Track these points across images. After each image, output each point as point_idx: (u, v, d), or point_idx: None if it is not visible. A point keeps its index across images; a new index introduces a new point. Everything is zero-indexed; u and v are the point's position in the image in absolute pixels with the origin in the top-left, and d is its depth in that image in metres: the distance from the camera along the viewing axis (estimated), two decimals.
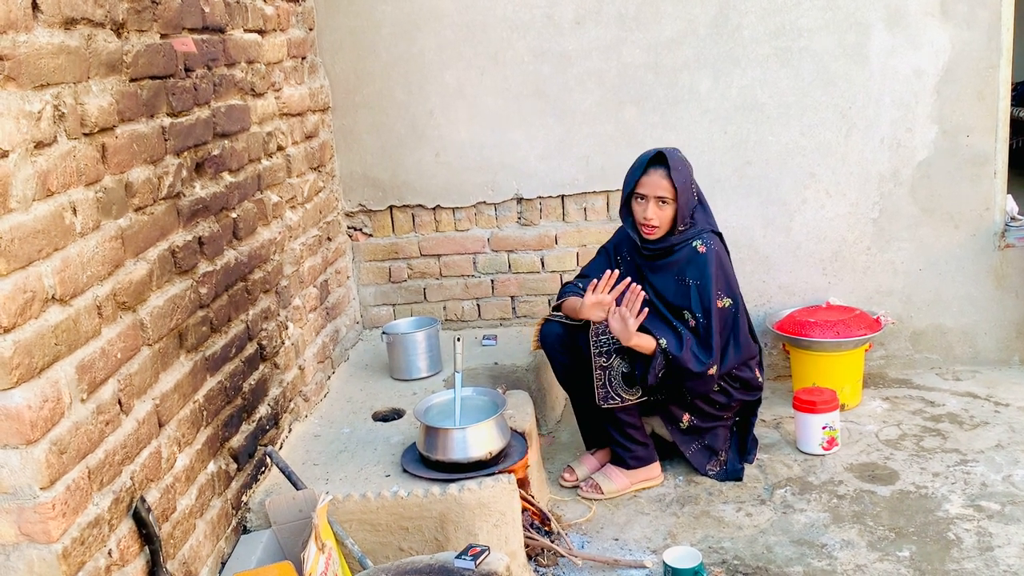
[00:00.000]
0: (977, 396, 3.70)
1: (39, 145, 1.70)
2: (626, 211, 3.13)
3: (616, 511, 3.08)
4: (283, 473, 2.56)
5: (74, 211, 1.81)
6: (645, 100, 3.81)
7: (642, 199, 3.04)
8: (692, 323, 3.02)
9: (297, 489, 2.51)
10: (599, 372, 3.02)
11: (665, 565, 2.56)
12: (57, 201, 1.75)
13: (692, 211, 3.07)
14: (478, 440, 2.62)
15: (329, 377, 3.52)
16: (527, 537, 2.72)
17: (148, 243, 2.12)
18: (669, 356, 2.93)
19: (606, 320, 2.95)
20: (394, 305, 4.14)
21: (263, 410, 2.79)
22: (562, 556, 2.77)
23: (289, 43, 3.31)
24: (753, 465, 3.27)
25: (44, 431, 1.66)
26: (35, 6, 1.71)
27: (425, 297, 4.12)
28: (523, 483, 2.81)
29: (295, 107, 3.32)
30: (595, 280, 2.96)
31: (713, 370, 2.99)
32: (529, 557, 2.72)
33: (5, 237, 1.59)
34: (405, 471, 2.66)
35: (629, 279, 2.94)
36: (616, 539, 2.91)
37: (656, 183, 3.01)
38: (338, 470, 2.74)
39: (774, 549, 2.77)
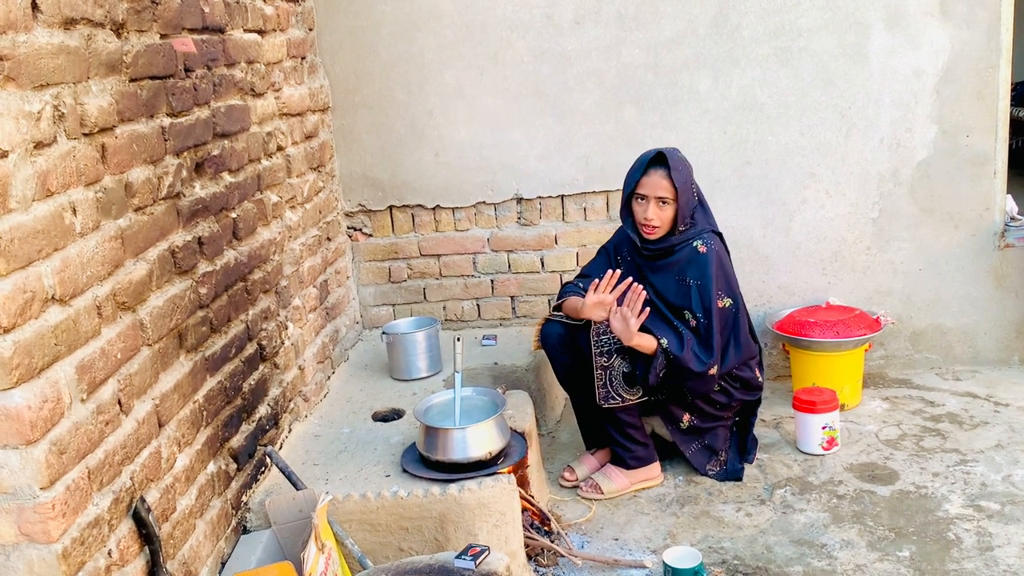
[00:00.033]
0: (977, 396, 3.70)
1: (39, 145, 1.70)
2: (626, 211, 3.13)
3: (616, 511, 3.08)
4: (283, 473, 2.56)
5: (74, 211, 1.81)
6: (645, 100, 3.81)
7: (642, 199, 3.04)
8: (693, 323, 3.03)
9: (297, 489, 2.51)
10: (600, 372, 3.02)
11: (665, 565, 2.56)
12: (57, 201, 1.75)
13: (692, 211, 3.07)
14: (478, 440, 2.62)
15: (329, 377, 3.52)
16: (527, 537, 2.72)
17: (148, 243, 2.12)
18: (670, 356, 2.93)
19: (607, 320, 2.95)
20: (394, 305, 4.14)
21: (263, 410, 2.79)
22: (562, 556, 2.77)
23: (289, 43, 3.31)
24: (753, 465, 3.27)
25: (44, 431, 1.66)
26: (35, 6, 1.71)
27: (425, 297, 4.12)
28: (523, 483, 2.81)
29: (295, 107, 3.32)
30: (596, 280, 2.96)
31: (714, 370, 2.99)
32: (529, 557, 2.72)
33: (5, 237, 1.59)
34: (405, 471, 2.66)
35: (631, 279, 2.94)
36: (616, 539, 2.91)
37: (656, 183, 3.01)
38: (338, 470, 2.73)
39: (774, 549, 2.77)
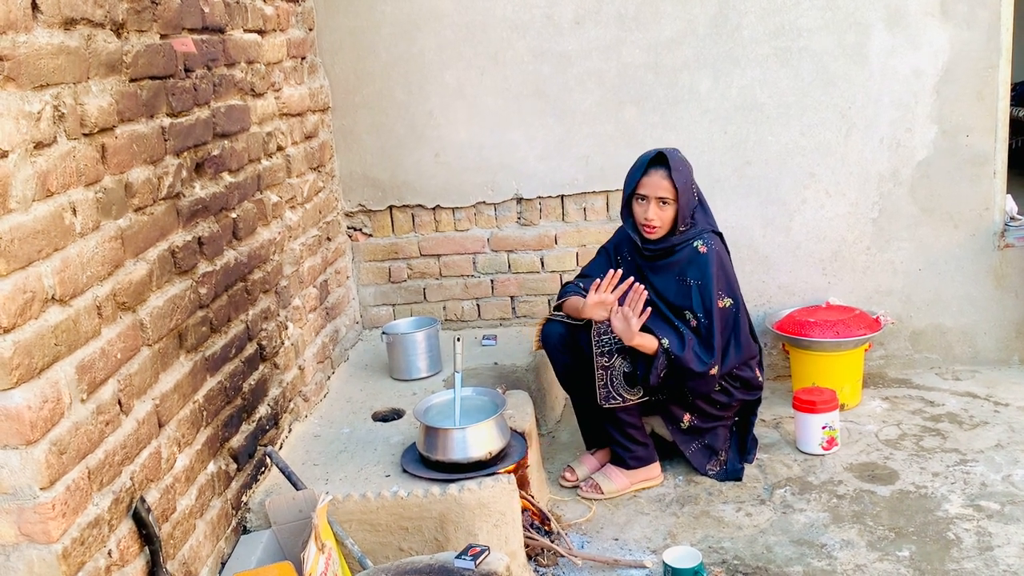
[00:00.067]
0: (977, 396, 3.70)
1: (39, 145, 1.70)
2: (627, 212, 3.13)
3: (616, 511, 3.08)
4: (283, 473, 2.56)
5: (74, 211, 1.81)
6: (645, 100, 3.81)
7: (643, 200, 3.04)
8: (693, 323, 3.03)
9: (297, 489, 2.51)
10: (601, 372, 3.02)
11: (665, 565, 2.56)
12: (57, 201, 1.75)
13: (692, 211, 3.07)
14: (478, 440, 2.62)
15: (329, 377, 3.52)
16: (527, 537, 2.72)
17: (148, 243, 2.12)
18: (671, 356, 2.93)
19: (608, 319, 2.95)
20: (394, 305, 4.14)
21: (263, 410, 2.79)
22: (562, 556, 2.77)
23: (289, 43, 3.31)
24: (753, 465, 3.27)
25: (44, 431, 1.66)
26: (35, 6, 1.71)
27: (425, 297, 4.12)
28: (523, 483, 2.81)
29: (295, 107, 3.32)
30: (598, 279, 2.96)
31: (715, 370, 2.99)
32: (529, 557, 2.72)
33: (5, 237, 1.59)
34: (405, 471, 2.66)
35: (632, 278, 2.94)
36: (616, 539, 2.91)
37: (657, 184, 3.01)
38: (338, 470, 2.74)
39: (774, 549, 2.77)
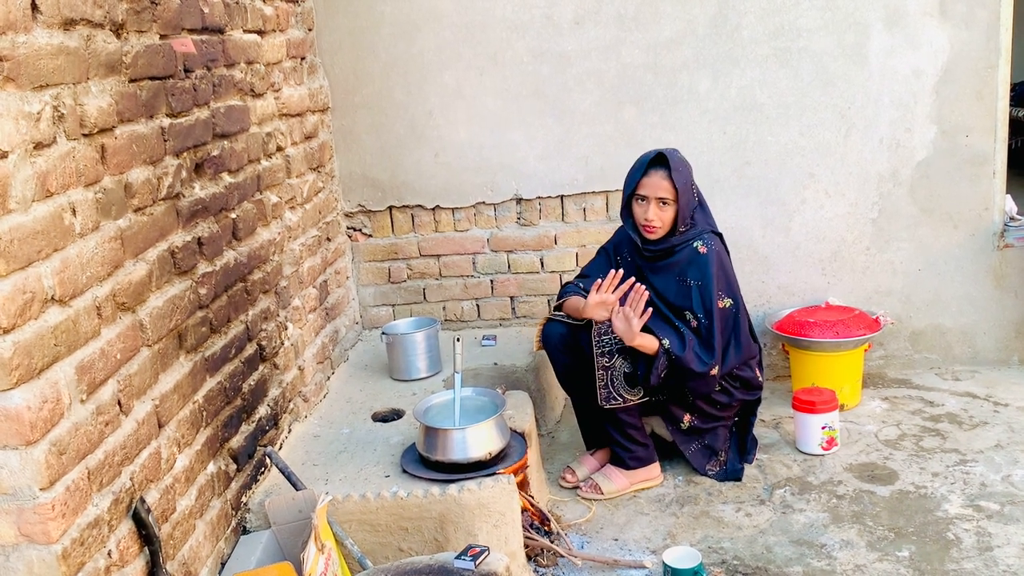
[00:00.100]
0: (976, 396, 3.71)
1: (38, 146, 1.70)
2: (627, 212, 3.13)
3: (616, 511, 3.08)
4: (283, 473, 2.56)
5: (73, 212, 1.81)
6: (644, 100, 3.81)
7: (643, 200, 3.05)
8: (694, 323, 3.03)
9: (297, 490, 2.51)
10: (601, 372, 3.02)
11: (665, 565, 2.56)
12: (56, 202, 1.75)
13: (692, 212, 3.07)
14: (477, 440, 2.62)
15: (329, 377, 3.52)
16: (527, 537, 2.72)
17: (147, 244, 2.12)
18: (672, 356, 2.93)
19: (609, 320, 2.95)
20: (393, 305, 4.14)
21: (263, 411, 2.79)
22: (562, 556, 2.77)
23: (288, 43, 3.31)
24: (752, 465, 3.27)
25: (44, 432, 1.66)
26: (34, 7, 1.71)
27: (424, 297, 4.12)
28: (523, 483, 2.81)
29: (294, 108, 3.32)
30: (599, 280, 2.96)
31: (715, 370, 2.99)
32: (529, 557, 2.72)
33: (4, 238, 1.59)
34: (405, 471, 2.66)
35: (633, 279, 2.94)
36: (616, 539, 2.91)
37: (657, 184, 3.01)
38: (338, 470, 2.73)
39: (773, 549, 2.77)
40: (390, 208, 4.01)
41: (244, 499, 2.58)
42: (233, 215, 2.65)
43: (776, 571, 2.66)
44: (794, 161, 3.82)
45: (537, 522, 2.85)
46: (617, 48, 3.77)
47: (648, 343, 2.94)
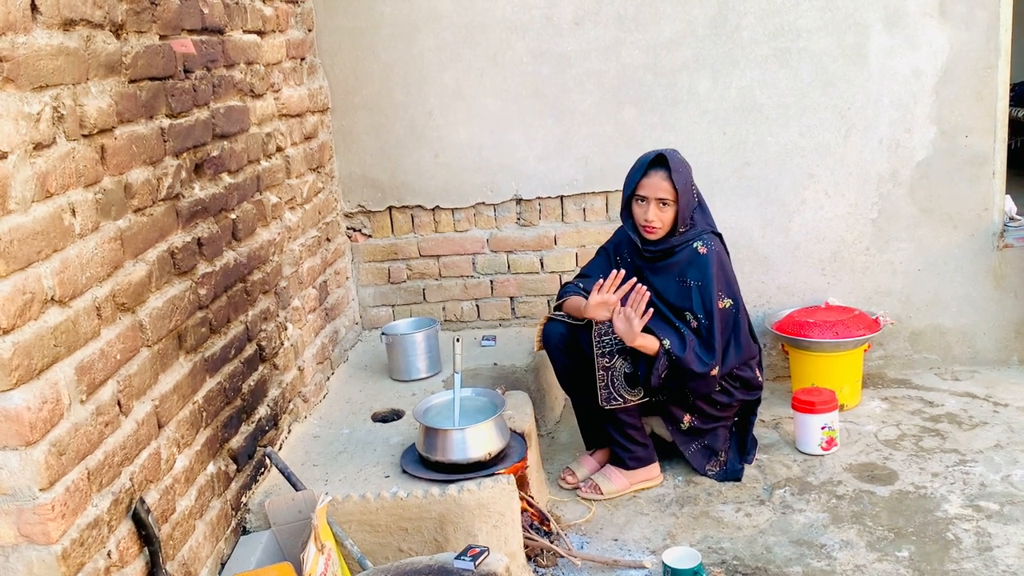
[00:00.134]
0: (976, 396, 3.71)
1: (38, 146, 1.70)
2: (627, 213, 3.13)
3: (615, 512, 3.08)
4: (282, 474, 2.56)
5: (73, 212, 1.81)
6: (644, 101, 3.81)
7: (643, 201, 3.05)
8: (694, 324, 3.03)
9: (296, 490, 2.51)
10: (602, 372, 3.02)
11: (664, 565, 2.56)
12: (56, 202, 1.75)
13: (692, 212, 3.07)
14: (477, 441, 2.62)
15: (328, 378, 3.52)
16: (526, 538, 2.72)
17: (147, 244, 2.12)
18: (672, 357, 2.93)
19: (610, 320, 2.95)
20: (393, 306, 4.14)
21: (262, 411, 2.79)
22: (561, 557, 2.77)
23: (288, 44, 3.31)
24: (752, 465, 3.27)
25: (43, 432, 1.66)
26: (34, 7, 1.71)
27: (424, 298, 4.12)
28: (522, 484, 2.81)
29: (294, 108, 3.32)
30: (601, 280, 2.96)
31: (715, 371, 2.99)
32: (528, 558, 2.72)
33: (4, 239, 1.59)
34: (404, 472, 2.66)
35: (634, 279, 2.94)
36: (615, 539, 2.91)
37: (657, 185, 3.01)
38: (337, 471, 2.74)
39: (773, 549, 2.77)
40: (390, 208, 4.01)
41: (244, 499, 2.58)
42: (233, 215, 2.65)
43: (776, 571, 2.66)
44: (794, 161, 3.82)
45: (537, 522, 2.85)
46: (617, 49, 3.77)
47: (649, 344, 2.94)
